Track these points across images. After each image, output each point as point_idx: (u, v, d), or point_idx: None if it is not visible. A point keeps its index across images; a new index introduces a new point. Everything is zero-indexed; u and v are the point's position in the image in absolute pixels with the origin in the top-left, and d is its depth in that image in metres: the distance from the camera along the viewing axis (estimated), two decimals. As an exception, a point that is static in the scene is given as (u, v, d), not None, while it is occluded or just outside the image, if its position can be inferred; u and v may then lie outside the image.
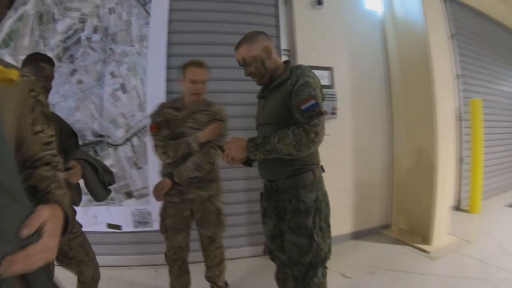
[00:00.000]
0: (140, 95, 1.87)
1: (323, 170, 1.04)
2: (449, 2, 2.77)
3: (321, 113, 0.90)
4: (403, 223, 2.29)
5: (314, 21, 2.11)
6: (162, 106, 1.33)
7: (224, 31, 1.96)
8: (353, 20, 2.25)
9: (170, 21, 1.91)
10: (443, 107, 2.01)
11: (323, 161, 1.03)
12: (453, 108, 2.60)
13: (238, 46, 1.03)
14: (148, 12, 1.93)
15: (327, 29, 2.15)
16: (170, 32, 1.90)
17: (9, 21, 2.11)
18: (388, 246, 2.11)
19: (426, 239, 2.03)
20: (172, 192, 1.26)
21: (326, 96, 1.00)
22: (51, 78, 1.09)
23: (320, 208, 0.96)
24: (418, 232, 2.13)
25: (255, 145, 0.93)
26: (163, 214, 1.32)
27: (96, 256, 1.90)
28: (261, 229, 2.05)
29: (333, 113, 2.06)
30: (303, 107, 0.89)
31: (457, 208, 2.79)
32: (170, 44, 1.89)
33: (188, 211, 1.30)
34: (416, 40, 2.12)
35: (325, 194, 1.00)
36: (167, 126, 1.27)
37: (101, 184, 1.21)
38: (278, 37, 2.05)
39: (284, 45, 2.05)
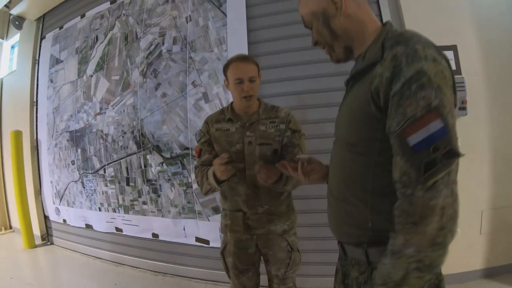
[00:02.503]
0: (223, 103, 1.67)
1: None
2: None
3: (455, 154, 0.38)
4: None
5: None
6: (208, 122, 1.01)
7: None
8: None
9: (249, 18, 1.65)
10: None
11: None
12: None
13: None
14: (224, 13, 1.72)
15: None
16: (249, 30, 1.64)
17: (101, 46, 2.23)
18: None
19: None
20: (236, 227, 0.97)
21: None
22: None
23: None
24: None
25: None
26: (223, 251, 1.04)
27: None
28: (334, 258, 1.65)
29: (461, 108, 1.46)
30: (413, 139, 0.39)
31: None
32: (250, 43, 1.63)
33: (253, 247, 1.00)
34: None
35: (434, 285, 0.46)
36: (212, 146, 0.97)
37: None
38: (379, 15, 1.54)
39: (386, 15, 1.52)
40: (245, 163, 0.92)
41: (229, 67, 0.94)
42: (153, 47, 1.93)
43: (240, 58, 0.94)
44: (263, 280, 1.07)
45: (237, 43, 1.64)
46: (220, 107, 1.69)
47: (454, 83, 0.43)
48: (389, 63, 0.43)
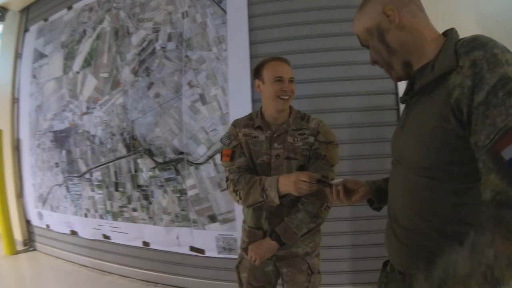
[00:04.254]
0: (222, 106, 1.52)
1: None
2: None
3: None
4: None
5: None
6: (236, 125, 0.90)
7: (318, 20, 1.45)
8: None
9: (250, 16, 1.50)
10: None
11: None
12: None
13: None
14: (224, 10, 1.56)
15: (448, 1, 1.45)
16: (251, 29, 1.49)
17: (89, 41, 2.01)
18: None
19: None
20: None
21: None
22: None
23: None
24: None
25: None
26: (239, 265, 0.94)
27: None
28: (367, 266, 1.55)
29: None
30: (507, 153, 0.33)
31: None
32: (252, 43, 1.48)
33: (271, 266, 0.89)
34: None
35: None
36: (243, 152, 0.86)
37: None
38: None
39: None
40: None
41: (265, 66, 0.85)
42: (146, 43, 1.74)
43: (279, 58, 0.87)
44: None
45: (238, 43, 1.49)
46: (219, 110, 1.54)
47: None
48: (468, 70, 0.37)
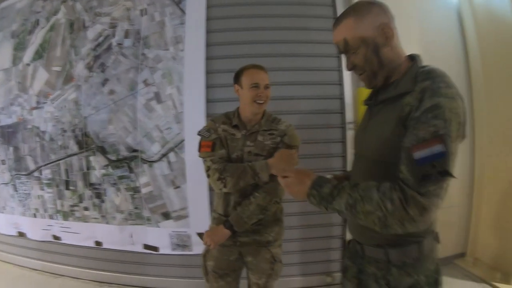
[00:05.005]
0: (177, 105, 1.51)
1: (437, 240, 0.61)
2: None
3: (446, 174, 0.46)
4: (481, 253, 1.75)
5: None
6: (215, 121, 0.97)
7: (274, 27, 1.51)
8: (426, 9, 1.69)
9: (208, 18, 1.51)
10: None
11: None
12: None
13: (338, 20, 0.58)
14: (183, 11, 1.55)
15: (396, 16, 1.62)
16: (208, 31, 1.50)
17: (42, 32, 1.87)
18: (463, 283, 1.60)
19: (507, 276, 1.51)
20: None
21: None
22: None
23: None
24: (499, 266, 1.61)
25: (320, 196, 0.55)
26: (205, 254, 0.99)
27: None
28: (316, 257, 1.55)
29: None
30: (418, 155, 0.46)
31: None
32: (209, 45, 1.50)
33: (235, 255, 0.96)
34: (503, 30, 1.55)
35: (432, 274, 0.58)
36: (223, 145, 0.93)
37: None
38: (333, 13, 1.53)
39: None
40: None
41: (244, 73, 0.93)
42: (102, 38, 1.67)
43: (257, 66, 0.95)
44: (243, 284, 1.01)
45: (195, 44, 1.50)
46: (174, 109, 1.54)
47: (465, 121, 0.50)
48: (418, 94, 0.50)
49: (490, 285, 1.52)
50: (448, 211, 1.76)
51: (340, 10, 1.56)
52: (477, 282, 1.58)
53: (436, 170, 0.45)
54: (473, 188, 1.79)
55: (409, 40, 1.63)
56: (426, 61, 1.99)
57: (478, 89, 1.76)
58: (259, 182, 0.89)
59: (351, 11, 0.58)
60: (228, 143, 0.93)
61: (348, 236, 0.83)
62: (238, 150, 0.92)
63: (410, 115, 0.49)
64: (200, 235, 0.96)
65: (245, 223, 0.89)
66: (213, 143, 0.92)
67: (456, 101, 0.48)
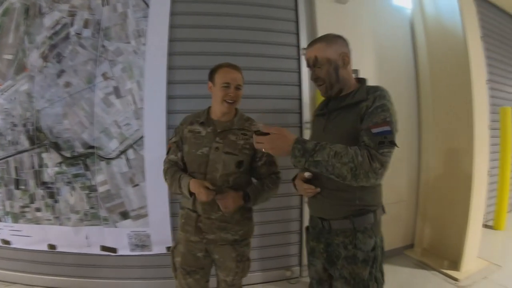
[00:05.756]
0: (137, 100, 1.44)
1: (383, 211, 0.80)
2: (477, 0, 2.30)
3: (393, 144, 0.68)
4: (428, 243, 1.88)
5: (338, 17, 1.64)
6: (183, 122, 1.00)
7: (236, 26, 1.50)
8: (381, 18, 1.79)
9: (173, 13, 1.45)
10: (479, 114, 1.58)
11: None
12: (486, 116, 2.17)
13: (312, 43, 0.81)
14: (146, 4, 1.48)
15: (352, 26, 1.68)
16: (172, 26, 1.45)
17: (-5, 16, 1.68)
18: (412, 271, 1.70)
19: (454, 264, 1.63)
20: (188, 228, 0.93)
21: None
22: None
23: (377, 256, 0.75)
24: (445, 255, 1.73)
25: (304, 149, 0.68)
26: (173, 249, 0.99)
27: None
28: (275, 252, 1.68)
29: None
30: (375, 130, 0.68)
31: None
32: (172, 40, 1.44)
33: (202, 252, 0.94)
34: (451, 40, 1.67)
35: (382, 239, 0.79)
36: (180, 148, 0.96)
37: None
38: (297, 34, 1.59)
39: (303, 43, 1.58)
40: (207, 167, 0.90)
41: (218, 71, 0.93)
42: (59, 26, 1.54)
43: (231, 65, 0.94)
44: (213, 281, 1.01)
45: (158, 38, 1.44)
46: (133, 104, 1.46)
47: (397, 120, 0.72)
48: (371, 99, 0.72)
49: (440, 272, 1.64)
50: (397, 206, 1.88)
51: (301, 13, 1.61)
52: (427, 270, 1.69)
53: (387, 140, 0.66)
54: (419, 184, 1.92)
55: (364, 47, 1.74)
56: (380, 66, 2.11)
57: (426, 93, 1.89)
58: (184, 196, 0.92)
59: (324, 38, 0.79)
60: (193, 141, 0.92)
61: (305, 224, 0.93)
62: (204, 147, 0.90)
63: (365, 112, 0.70)
64: (183, 231, 0.96)
65: (256, 202, 0.92)
66: (169, 147, 0.98)
67: (393, 106, 0.72)
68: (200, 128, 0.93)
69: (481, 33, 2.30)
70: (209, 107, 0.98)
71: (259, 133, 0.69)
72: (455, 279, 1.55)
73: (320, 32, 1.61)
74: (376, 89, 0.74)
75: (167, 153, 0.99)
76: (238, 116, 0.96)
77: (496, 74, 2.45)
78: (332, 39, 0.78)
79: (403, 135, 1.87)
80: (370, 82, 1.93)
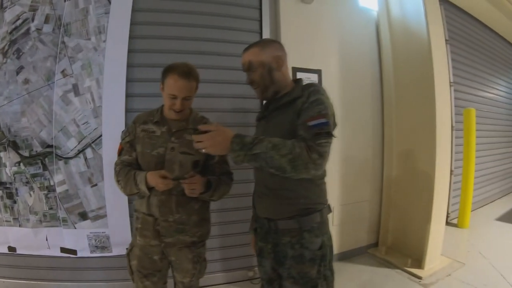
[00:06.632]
0: (95, 99, 1.38)
1: (330, 210, 0.81)
2: (444, 4, 2.33)
3: (330, 134, 0.69)
4: (392, 242, 1.89)
5: (302, 17, 1.63)
6: (135, 120, 0.94)
7: (198, 24, 1.47)
8: (346, 18, 1.78)
9: (134, 10, 1.41)
10: (441, 115, 1.60)
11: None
12: (449, 117, 2.21)
13: (247, 48, 0.81)
14: (108, 0, 1.43)
15: (317, 26, 1.67)
16: (133, 23, 1.40)
17: (-45, 9, 1.59)
18: (376, 269, 1.71)
19: (418, 262, 1.64)
20: (146, 232, 0.89)
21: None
22: None
23: (325, 254, 0.75)
24: (409, 253, 1.74)
25: (242, 143, 0.67)
26: (129, 253, 0.95)
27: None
28: (237, 253, 1.62)
29: None
30: (310, 123, 0.68)
31: (445, 222, 2.42)
32: (132, 37, 1.39)
33: (159, 255, 0.91)
34: (415, 43, 1.69)
35: (330, 238, 0.79)
36: (133, 147, 0.91)
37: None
38: (260, 32, 1.56)
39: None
40: (163, 168, 0.86)
41: (168, 76, 0.85)
42: (20, 21, 1.47)
43: (182, 74, 0.83)
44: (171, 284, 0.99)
45: (118, 36, 1.39)
46: (92, 102, 1.41)
47: (334, 114, 0.74)
48: (306, 95, 0.72)
49: (404, 270, 1.65)
50: (360, 206, 1.88)
51: (265, 12, 1.58)
52: (391, 269, 1.70)
53: (324, 131, 0.67)
54: (383, 184, 1.93)
55: (328, 48, 1.74)
56: (344, 66, 2.10)
57: (389, 94, 1.90)
58: (142, 193, 0.86)
59: (259, 42, 0.80)
60: (147, 141, 0.88)
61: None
62: (159, 147, 0.87)
63: (301, 107, 0.71)
64: (140, 235, 0.91)
65: (217, 193, 0.90)
66: (121, 148, 0.93)
67: (329, 99, 0.73)
68: (154, 128, 0.89)
69: (447, 36, 2.35)
70: (162, 106, 0.93)
71: (198, 132, 0.68)
72: (418, 277, 1.56)
73: (284, 32, 1.60)
74: (310, 85, 0.75)
75: (119, 154, 0.93)
76: (193, 115, 0.94)
77: (461, 77, 2.50)
78: (267, 43, 0.80)
79: (367, 135, 1.91)
80: (334, 82, 1.95)
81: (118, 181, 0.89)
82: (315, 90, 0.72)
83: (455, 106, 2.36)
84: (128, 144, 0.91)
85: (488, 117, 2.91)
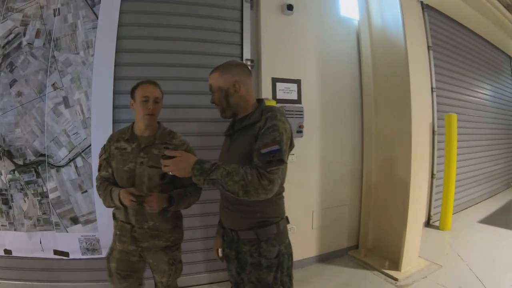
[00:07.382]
0: (84, 110, 1.45)
1: (287, 222, 0.87)
2: (428, 11, 2.36)
3: (282, 161, 0.73)
4: (372, 244, 1.95)
5: (283, 28, 1.68)
6: (109, 139, 1.03)
7: (182, 37, 1.53)
8: (327, 28, 1.83)
9: (120, 25, 1.47)
10: (419, 122, 1.65)
11: (287, 184, 0.85)
12: (429, 123, 2.24)
13: (211, 71, 0.85)
14: (96, 15, 1.49)
15: (297, 37, 1.72)
16: (119, 38, 1.46)
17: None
18: (355, 271, 1.77)
19: (395, 264, 1.70)
20: (124, 239, 0.97)
21: (292, 112, 0.99)
22: None
23: (282, 262, 0.81)
24: (386, 255, 1.80)
25: (201, 169, 0.73)
26: (109, 256, 1.03)
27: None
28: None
29: (299, 131, 1.64)
30: (263, 151, 0.72)
31: (427, 224, 2.45)
32: (118, 51, 1.46)
33: (136, 257, 1.00)
34: (393, 51, 1.73)
35: (288, 246, 0.85)
36: (109, 164, 0.99)
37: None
38: (241, 45, 1.61)
39: (247, 54, 1.61)
40: (134, 181, 0.95)
41: (138, 88, 0.98)
42: (12, 36, 1.53)
43: (149, 81, 0.99)
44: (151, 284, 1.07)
45: (105, 49, 1.45)
46: (81, 114, 1.48)
47: (291, 135, 0.79)
48: (264, 121, 0.76)
49: (381, 272, 1.71)
50: (341, 209, 1.94)
51: (246, 25, 1.63)
52: (369, 270, 1.76)
53: (276, 158, 0.71)
54: (362, 188, 1.99)
55: (309, 58, 1.78)
56: (325, 75, 2.12)
57: (369, 101, 1.94)
58: (117, 208, 0.97)
59: (220, 67, 0.84)
60: (119, 157, 0.96)
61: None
62: (130, 162, 0.95)
63: (258, 132, 0.75)
64: (119, 241, 0.99)
65: (179, 207, 0.98)
66: (100, 164, 1.02)
67: (285, 124, 0.77)
68: (125, 145, 0.97)
69: (430, 42, 2.38)
70: (133, 124, 1.02)
71: (166, 157, 0.75)
72: (395, 279, 1.62)
73: (264, 44, 1.66)
74: (268, 110, 0.79)
75: (98, 170, 1.02)
76: (161, 130, 1.01)
77: (444, 82, 2.53)
78: (227, 68, 0.83)
79: (347, 142, 1.97)
80: (314, 91, 1.99)
81: (99, 194, 0.99)
82: (273, 115, 0.75)
83: (438, 111, 2.40)
84: (105, 161, 1.00)
85: (472, 120, 2.95)
